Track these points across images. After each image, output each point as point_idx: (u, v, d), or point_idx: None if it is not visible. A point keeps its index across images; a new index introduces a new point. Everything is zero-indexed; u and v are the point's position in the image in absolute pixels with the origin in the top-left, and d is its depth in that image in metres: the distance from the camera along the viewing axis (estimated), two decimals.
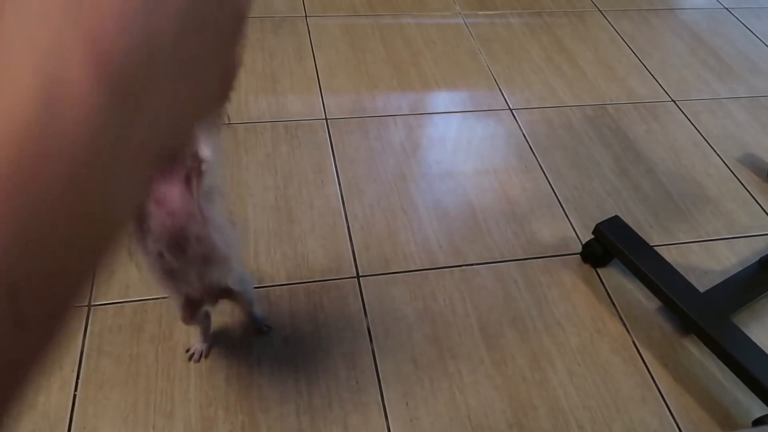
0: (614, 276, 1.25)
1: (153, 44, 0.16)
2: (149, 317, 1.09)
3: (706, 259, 1.31)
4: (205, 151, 0.67)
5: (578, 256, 1.28)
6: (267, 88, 1.58)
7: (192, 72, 0.19)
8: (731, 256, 1.32)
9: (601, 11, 2.03)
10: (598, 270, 1.26)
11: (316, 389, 1.02)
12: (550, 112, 1.63)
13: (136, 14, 0.16)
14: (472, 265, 1.24)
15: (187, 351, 1.04)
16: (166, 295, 0.94)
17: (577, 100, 1.67)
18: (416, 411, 1.01)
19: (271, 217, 1.28)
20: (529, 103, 1.65)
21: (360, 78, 1.65)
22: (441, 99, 1.64)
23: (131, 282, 1.13)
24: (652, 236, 1.33)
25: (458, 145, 1.51)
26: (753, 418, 1.05)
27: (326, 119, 1.52)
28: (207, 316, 1.01)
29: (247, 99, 1.54)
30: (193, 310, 0.91)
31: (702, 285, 1.18)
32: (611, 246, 1.20)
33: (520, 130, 1.56)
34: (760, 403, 1.03)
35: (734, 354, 1.02)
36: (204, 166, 0.67)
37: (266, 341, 1.07)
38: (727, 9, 2.14)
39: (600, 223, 1.23)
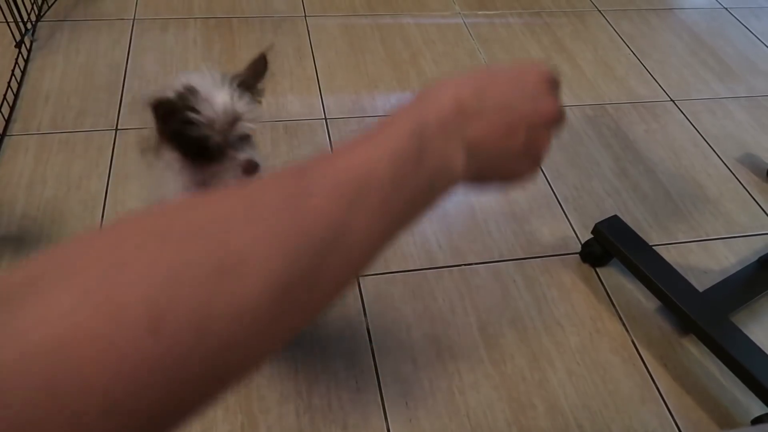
0: (613, 276, 1.25)
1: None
2: None
3: (706, 258, 1.31)
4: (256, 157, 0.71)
5: (577, 255, 1.28)
6: (266, 87, 1.58)
7: None
8: (730, 256, 1.32)
9: (600, 11, 2.03)
10: (598, 270, 1.26)
11: (316, 389, 1.02)
12: None
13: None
14: (471, 264, 1.24)
15: None
16: None
17: (577, 99, 1.68)
18: (416, 411, 1.01)
19: None
20: None
21: (359, 78, 1.65)
22: None
23: None
24: (652, 236, 1.33)
25: None
26: (752, 418, 1.05)
27: (326, 119, 1.52)
28: None
29: None
30: None
31: (701, 285, 1.18)
32: (610, 246, 1.20)
33: None
34: (759, 402, 1.03)
35: (733, 353, 1.02)
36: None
37: None
38: (726, 9, 2.14)
39: (599, 222, 1.23)
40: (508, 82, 0.35)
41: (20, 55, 1.52)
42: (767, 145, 1.61)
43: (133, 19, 1.73)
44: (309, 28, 1.79)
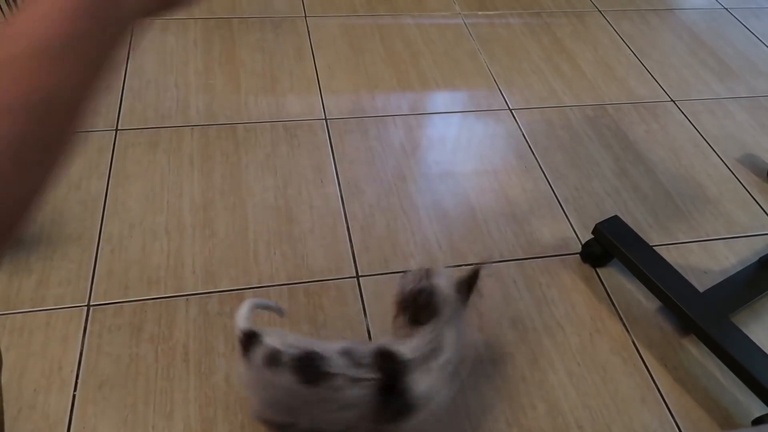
0: (614, 276, 1.25)
1: None
2: (148, 317, 1.09)
3: (706, 259, 1.31)
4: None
5: (578, 256, 1.28)
6: (267, 88, 1.58)
7: None
8: (731, 256, 1.32)
9: (600, 11, 2.03)
10: (598, 270, 1.26)
11: None
12: (550, 112, 1.63)
13: None
14: (471, 265, 1.24)
15: None
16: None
17: (577, 100, 1.68)
18: None
19: (271, 218, 1.28)
20: (529, 104, 1.65)
21: (359, 78, 1.65)
22: (441, 99, 1.64)
23: (131, 282, 1.13)
24: (652, 236, 1.33)
25: (458, 145, 1.51)
26: (752, 418, 1.05)
27: (326, 119, 1.52)
28: None
29: (247, 99, 1.54)
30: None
31: (701, 285, 1.18)
32: (611, 246, 1.20)
33: (519, 131, 1.56)
34: (760, 402, 1.03)
35: (733, 354, 1.02)
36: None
37: None
38: (726, 9, 2.14)
39: (599, 223, 1.23)
40: None
41: None
42: (767, 145, 1.61)
43: None
44: (309, 28, 1.79)
